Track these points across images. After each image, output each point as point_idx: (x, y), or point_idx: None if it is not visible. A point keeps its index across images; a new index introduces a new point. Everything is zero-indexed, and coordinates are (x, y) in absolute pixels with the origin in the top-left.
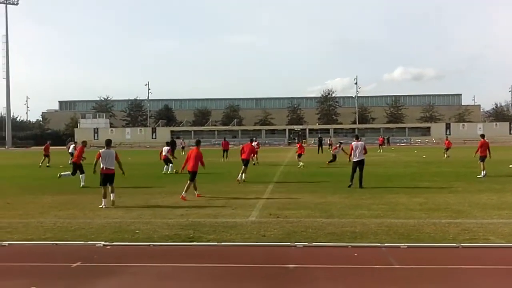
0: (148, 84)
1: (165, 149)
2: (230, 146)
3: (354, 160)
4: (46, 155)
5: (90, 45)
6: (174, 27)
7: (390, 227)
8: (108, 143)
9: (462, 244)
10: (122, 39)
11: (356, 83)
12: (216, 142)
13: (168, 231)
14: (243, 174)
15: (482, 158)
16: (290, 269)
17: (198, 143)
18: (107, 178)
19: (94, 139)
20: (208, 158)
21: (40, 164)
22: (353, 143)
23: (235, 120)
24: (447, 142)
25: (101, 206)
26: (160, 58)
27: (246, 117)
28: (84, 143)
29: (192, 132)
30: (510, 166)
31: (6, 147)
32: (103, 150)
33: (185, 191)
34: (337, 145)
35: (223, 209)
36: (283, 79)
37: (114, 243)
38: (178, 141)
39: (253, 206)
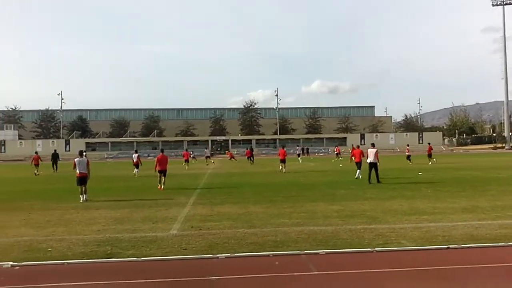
0: (61, 94)
1: (135, 156)
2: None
3: (368, 161)
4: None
5: None
6: (87, 33)
7: (310, 235)
8: (81, 153)
9: (376, 249)
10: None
11: (277, 95)
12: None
13: (83, 248)
14: (283, 168)
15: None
16: (212, 281)
17: (162, 151)
18: (81, 180)
19: (1, 152)
20: (127, 171)
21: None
22: (369, 149)
23: (155, 131)
24: (408, 149)
25: (81, 201)
26: (73, 66)
27: (167, 128)
28: None
29: (109, 144)
30: (419, 173)
31: None
32: (77, 158)
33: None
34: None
35: (142, 224)
36: (206, 90)
37: (24, 263)
38: (187, 152)
39: (175, 219)
